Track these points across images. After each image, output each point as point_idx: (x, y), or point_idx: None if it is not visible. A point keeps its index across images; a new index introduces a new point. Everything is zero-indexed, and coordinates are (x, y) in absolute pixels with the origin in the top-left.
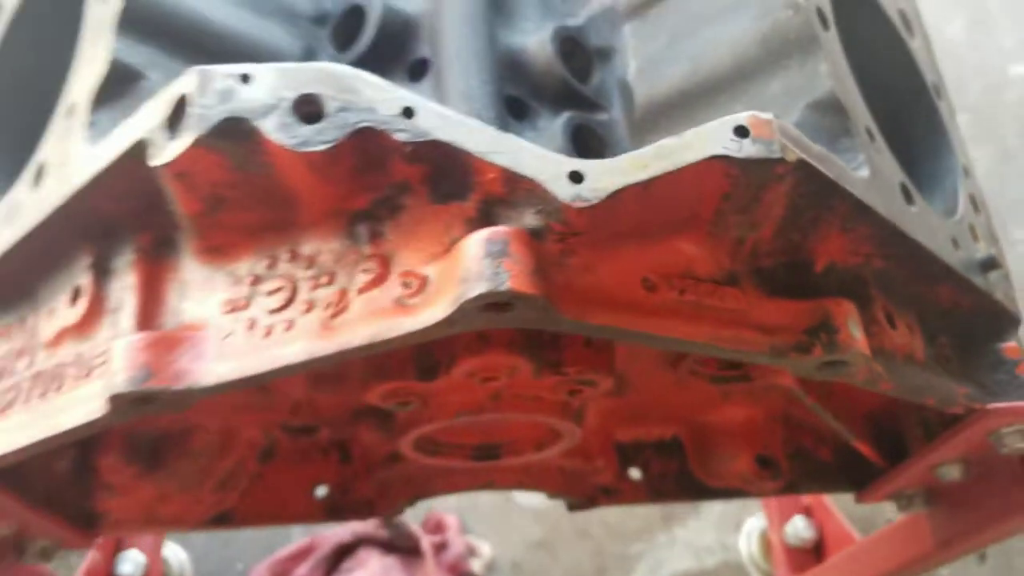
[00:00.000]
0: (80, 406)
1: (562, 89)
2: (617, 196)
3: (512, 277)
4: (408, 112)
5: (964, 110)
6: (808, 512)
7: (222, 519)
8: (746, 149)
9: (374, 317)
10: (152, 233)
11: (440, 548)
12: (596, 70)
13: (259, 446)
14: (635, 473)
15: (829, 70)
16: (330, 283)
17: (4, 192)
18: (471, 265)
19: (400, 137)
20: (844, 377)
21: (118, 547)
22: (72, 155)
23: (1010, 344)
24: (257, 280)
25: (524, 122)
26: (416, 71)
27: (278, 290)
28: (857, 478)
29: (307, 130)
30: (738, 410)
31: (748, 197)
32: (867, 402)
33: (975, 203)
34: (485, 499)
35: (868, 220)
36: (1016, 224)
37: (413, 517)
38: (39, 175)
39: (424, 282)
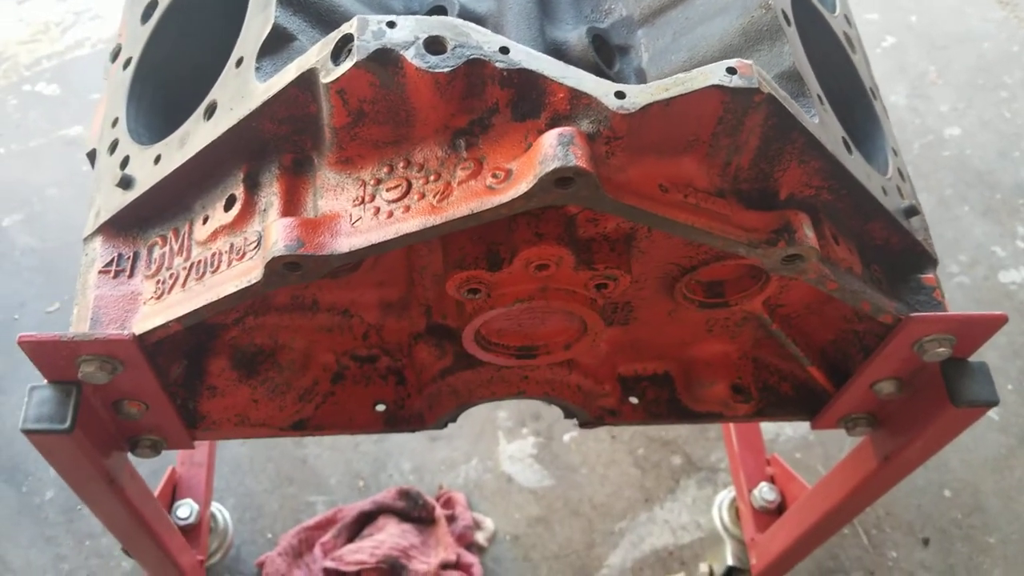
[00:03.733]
0: (238, 278)
1: (593, 71)
2: (647, 109)
3: (578, 158)
4: (504, 49)
5: (907, 164)
6: (772, 480)
7: (300, 425)
8: (735, 81)
9: (472, 198)
10: (293, 155)
11: (449, 520)
12: (617, 61)
13: (331, 370)
14: (633, 400)
15: (791, 51)
16: (437, 179)
17: (150, 144)
18: (548, 150)
19: (499, 65)
20: (801, 272)
21: (174, 497)
22: (245, 90)
23: (928, 275)
24: (378, 182)
25: None
26: None
27: (396, 186)
28: (813, 407)
29: (435, 59)
30: (717, 345)
31: (735, 121)
32: (819, 336)
33: (902, 174)
34: (490, 481)
35: (819, 155)
36: (952, 260)
37: (426, 492)
38: (210, 111)
39: (508, 173)
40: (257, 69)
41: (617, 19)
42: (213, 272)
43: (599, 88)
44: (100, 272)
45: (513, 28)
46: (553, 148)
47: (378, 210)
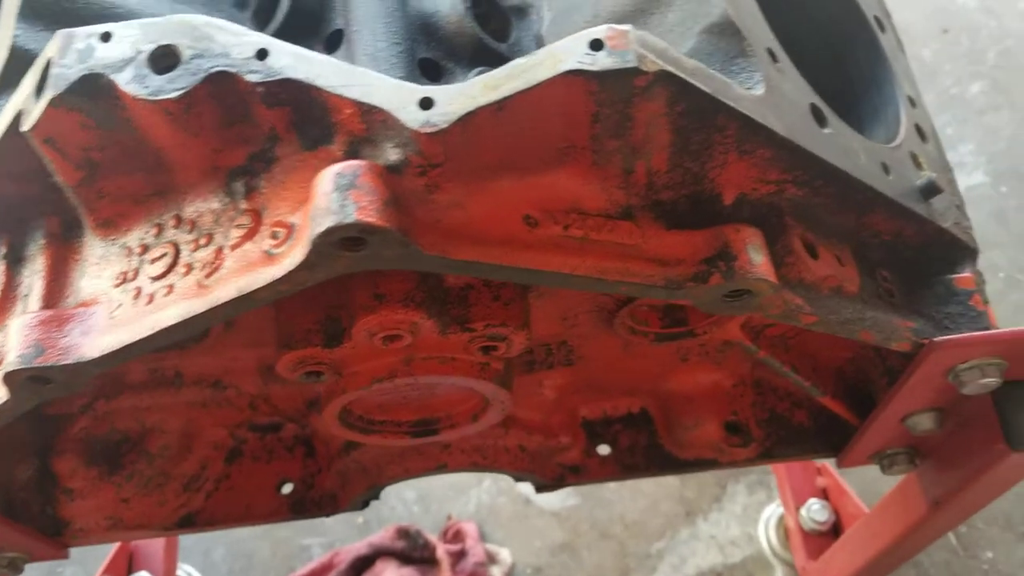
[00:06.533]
0: None
1: (476, 48)
2: (469, 120)
3: (360, 209)
4: (262, 53)
5: (981, 77)
6: (824, 494)
7: (187, 521)
8: (600, 61)
9: (244, 271)
10: (60, 217)
11: (459, 557)
12: (513, 28)
13: (226, 446)
14: (604, 449)
15: None
16: (208, 243)
17: None
18: (320, 201)
19: (252, 78)
20: (756, 309)
21: (130, 568)
22: None
23: (963, 275)
24: (145, 249)
25: (440, 82)
26: (332, 42)
27: (162, 256)
28: (837, 442)
29: (160, 79)
30: (702, 375)
31: (617, 117)
32: (832, 356)
33: (921, 132)
34: (505, 505)
35: (766, 141)
36: None
37: (432, 527)
38: None
39: (291, 230)
40: None
41: None
42: None
43: (395, 97)
44: None
45: (362, 2)
46: (326, 197)
47: (139, 292)
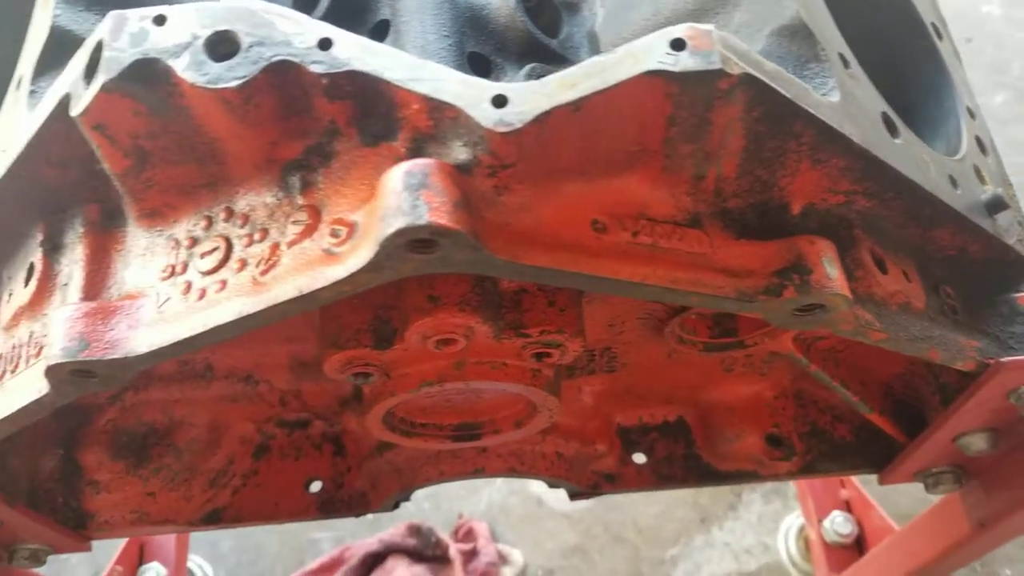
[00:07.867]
0: (29, 386)
1: (526, 43)
2: (545, 120)
3: (432, 210)
4: (325, 43)
5: (1006, 88)
6: (848, 507)
7: (213, 517)
8: (683, 62)
9: (303, 269)
10: (100, 205)
11: (470, 556)
12: (564, 24)
13: (253, 442)
14: (640, 458)
15: None
16: (263, 239)
17: None
18: (390, 200)
19: (316, 69)
20: (827, 324)
21: (140, 559)
22: (16, 124)
23: None
24: (194, 242)
25: (489, 78)
26: (378, 33)
27: (213, 250)
28: (880, 458)
29: (219, 67)
30: (744, 386)
31: (695, 120)
32: (880, 371)
33: (982, 145)
34: (516, 505)
35: (841, 150)
36: None
37: (443, 525)
38: None
39: (353, 229)
40: (32, 93)
41: None
42: (12, 373)
43: (467, 94)
44: None
45: None
46: (396, 196)
47: (189, 287)
